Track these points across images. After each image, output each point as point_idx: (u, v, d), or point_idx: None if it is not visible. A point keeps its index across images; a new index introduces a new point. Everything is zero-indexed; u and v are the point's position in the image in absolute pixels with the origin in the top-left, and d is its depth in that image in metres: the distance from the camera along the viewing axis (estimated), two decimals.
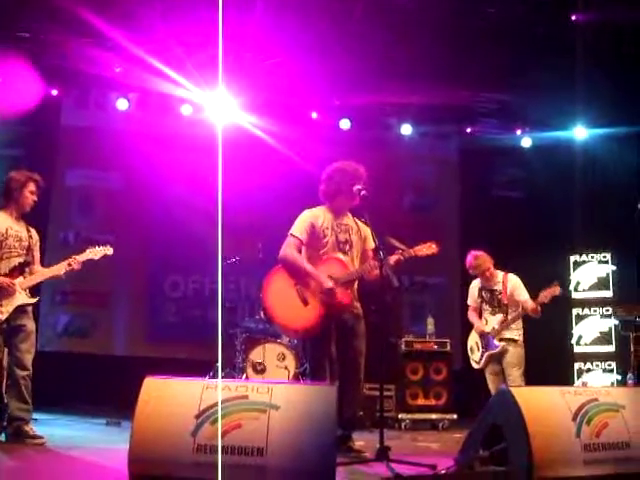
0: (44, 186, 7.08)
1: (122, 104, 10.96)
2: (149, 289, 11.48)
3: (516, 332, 7.96)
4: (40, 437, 6.53)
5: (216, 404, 4.39)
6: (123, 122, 11.24)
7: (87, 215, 11.38)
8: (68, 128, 11.31)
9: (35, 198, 6.95)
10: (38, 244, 7.07)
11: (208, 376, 8.77)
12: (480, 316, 8.31)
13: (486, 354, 8.03)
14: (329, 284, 6.17)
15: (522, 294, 7.97)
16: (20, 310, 6.70)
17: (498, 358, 7.98)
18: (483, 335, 8.09)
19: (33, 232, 7.01)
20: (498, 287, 8.13)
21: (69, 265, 6.88)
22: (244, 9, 8.75)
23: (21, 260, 6.80)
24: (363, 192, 6.16)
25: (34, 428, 6.63)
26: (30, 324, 6.79)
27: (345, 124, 11.43)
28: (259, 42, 9.39)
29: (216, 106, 10.48)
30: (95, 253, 7.07)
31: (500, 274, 8.18)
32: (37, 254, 7.03)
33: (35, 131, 10.74)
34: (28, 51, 9.66)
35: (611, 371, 10.12)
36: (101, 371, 10.24)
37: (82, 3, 8.63)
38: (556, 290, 7.76)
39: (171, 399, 4.54)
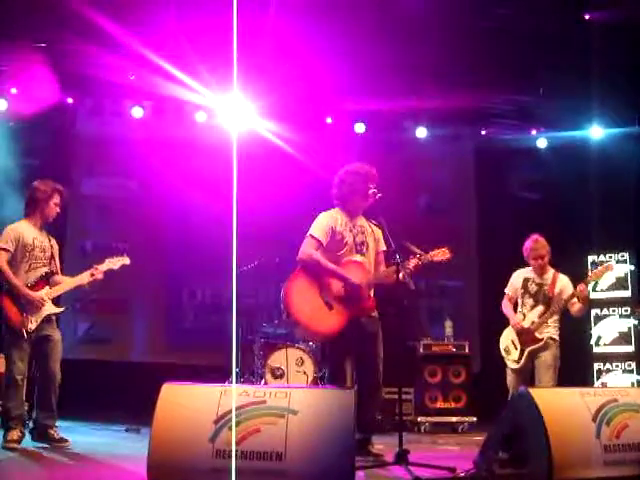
0: (67, 197, 7.23)
1: (137, 112, 10.98)
2: (167, 295, 11.53)
3: (554, 330, 7.58)
4: (65, 440, 6.76)
5: (235, 409, 4.40)
6: (138, 130, 11.25)
7: (104, 223, 11.43)
8: (83, 136, 11.37)
9: (59, 210, 7.10)
10: (58, 253, 7.18)
11: (227, 382, 8.77)
12: (515, 309, 7.87)
13: (527, 350, 7.53)
14: (356, 281, 6.18)
15: (570, 293, 7.59)
16: (46, 320, 6.85)
17: (532, 356, 7.55)
18: (522, 331, 7.59)
19: (54, 242, 7.14)
20: (547, 282, 7.69)
21: (92, 275, 7.03)
22: (258, 14, 8.77)
23: (47, 270, 6.95)
24: (378, 195, 6.17)
25: (59, 431, 6.83)
26: (56, 334, 6.97)
27: (360, 128, 11.42)
28: (273, 47, 9.39)
29: (230, 112, 10.50)
30: (114, 263, 7.22)
31: (551, 270, 7.77)
32: (58, 263, 7.15)
33: (51, 140, 10.80)
34: (44, 60, 9.71)
35: (631, 371, 10.05)
36: (120, 378, 10.29)
37: (96, 11, 8.66)
38: (610, 267, 7.61)
39: (189, 405, 4.56)
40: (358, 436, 5.97)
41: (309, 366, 9.16)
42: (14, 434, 6.56)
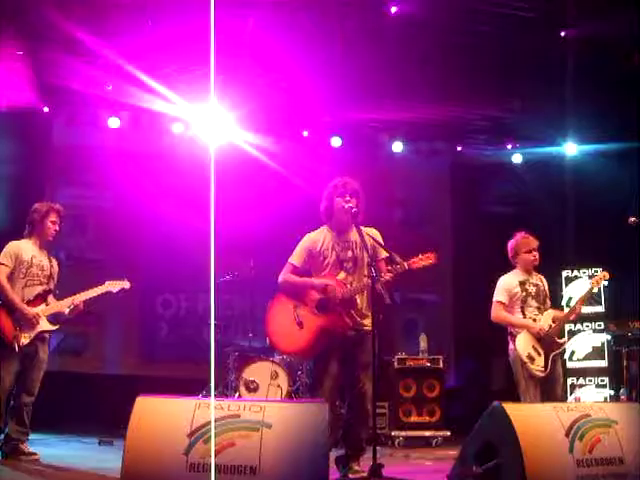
0: (65, 215, 7.37)
1: (113, 122, 10.94)
2: (141, 308, 11.45)
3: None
4: (34, 453, 6.78)
5: (209, 423, 4.39)
6: (114, 140, 11.21)
7: (79, 234, 11.35)
8: (59, 146, 11.29)
9: (57, 228, 7.25)
10: (57, 273, 7.30)
11: (201, 395, 8.74)
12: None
13: (551, 356, 7.10)
14: (323, 281, 6.16)
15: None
16: (39, 337, 6.92)
17: (555, 363, 7.15)
18: (544, 336, 7.10)
19: (54, 262, 7.30)
20: (540, 283, 7.39)
21: (72, 304, 7.09)
22: (236, 27, 8.78)
23: (44, 288, 7.05)
24: (354, 209, 6.15)
25: (28, 446, 6.85)
26: (44, 353, 7.04)
27: (336, 142, 11.45)
28: (250, 60, 9.42)
29: (208, 124, 10.50)
30: (113, 286, 7.38)
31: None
32: (55, 284, 7.25)
33: (26, 149, 10.73)
34: (20, 69, 9.67)
35: (604, 386, 10.12)
36: (94, 390, 10.21)
37: (73, 21, 8.66)
38: (606, 275, 7.44)
39: (163, 418, 4.54)
40: (342, 452, 6.00)
41: (283, 379, 9.12)
42: None
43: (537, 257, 7.38)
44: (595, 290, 7.45)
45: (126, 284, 7.43)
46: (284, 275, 6.36)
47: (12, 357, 6.73)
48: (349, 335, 6.19)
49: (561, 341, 7.20)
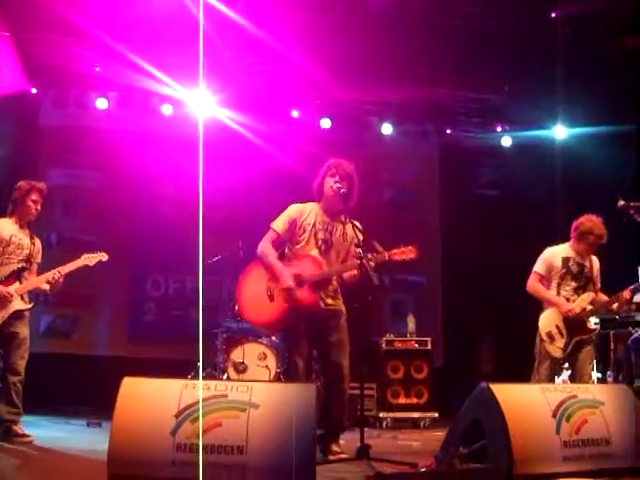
0: (48, 194, 7.25)
1: (102, 103, 10.89)
2: (131, 289, 11.44)
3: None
4: (28, 435, 6.75)
5: (196, 403, 4.39)
6: (103, 121, 11.15)
7: (69, 215, 11.31)
8: (48, 128, 11.23)
9: (38, 207, 7.13)
10: (40, 253, 7.20)
11: (190, 376, 8.75)
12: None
13: (575, 339, 6.96)
14: (287, 283, 6.12)
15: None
16: (15, 316, 6.84)
17: (579, 347, 7.00)
18: (573, 318, 6.96)
19: (37, 241, 7.18)
20: (587, 264, 7.16)
21: (52, 279, 6.96)
22: (225, 5, 8.74)
23: (19, 266, 6.94)
24: (342, 190, 6.15)
25: (23, 428, 6.82)
26: (24, 330, 6.95)
27: (326, 123, 11.42)
28: (240, 39, 9.37)
29: (197, 103, 10.46)
30: (90, 259, 7.19)
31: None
32: (36, 263, 7.15)
33: (15, 130, 10.69)
34: (7, 50, 9.61)
35: (591, 369, 10.14)
36: (83, 372, 10.20)
37: (62, 1, 8.60)
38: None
39: (150, 399, 4.54)
40: (320, 431, 5.98)
41: (272, 361, 9.13)
42: None
43: (598, 249, 7.19)
44: None
45: (104, 256, 7.22)
46: (264, 245, 6.35)
47: None
48: (317, 314, 6.20)
49: (592, 327, 7.02)
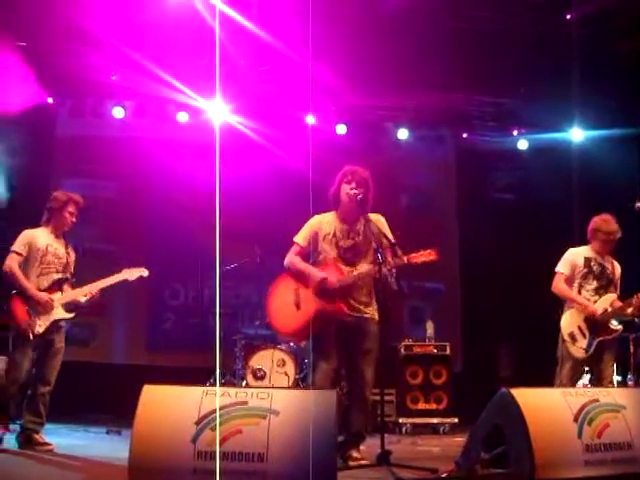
0: (84, 206, 7.29)
1: (118, 112, 10.92)
2: (148, 297, 11.46)
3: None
4: (49, 444, 6.75)
5: (216, 410, 4.38)
6: (119, 130, 11.20)
7: (86, 225, 11.31)
8: (64, 137, 11.27)
9: (74, 219, 7.18)
10: (73, 263, 7.25)
11: (208, 383, 8.75)
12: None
13: (597, 340, 6.91)
14: (321, 275, 6.14)
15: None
16: (55, 326, 6.90)
17: (602, 348, 6.95)
18: (596, 319, 6.92)
19: (71, 251, 7.24)
20: (608, 266, 7.16)
21: (89, 293, 7.07)
22: (240, 12, 8.75)
23: (59, 276, 7.01)
24: (359, 196, 6.15)
25: (44, 436, 6.84)
26: (61, 341, 7.03)
27: (341, 129, 11.41)
28: (255, 47, 9.39)
29: (213, 112, 10.47)
30: (131, 274, 7.33)
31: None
32: (70, 273, 7.18)
33: (31, 140, 10.72)
34: (24, 60, 9.66)
35: (613, 372, 10.10)
36: (101, 380, 10.23)
37: (78, 11, 8.63)
38: None
39: (170, 406, 4.54)
40: (341, 438, 5.97)
41: (290, 367, 9.14)
42: None
43: (613, 245, 7.19)
44: None
45: (144, 272, 7.38)
46: (290, 257, 6.41)
47: (26, 345, 6.72)
48: (347, 321, 6.19)
49: (615, 327, 6.97)
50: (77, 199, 7.18)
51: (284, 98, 10.79)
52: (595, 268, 7.13)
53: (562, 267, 7.23)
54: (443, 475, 5.14)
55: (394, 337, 9.80)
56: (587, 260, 7.16)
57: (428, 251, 6.10)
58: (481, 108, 11.49)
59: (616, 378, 9.85)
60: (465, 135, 11.96)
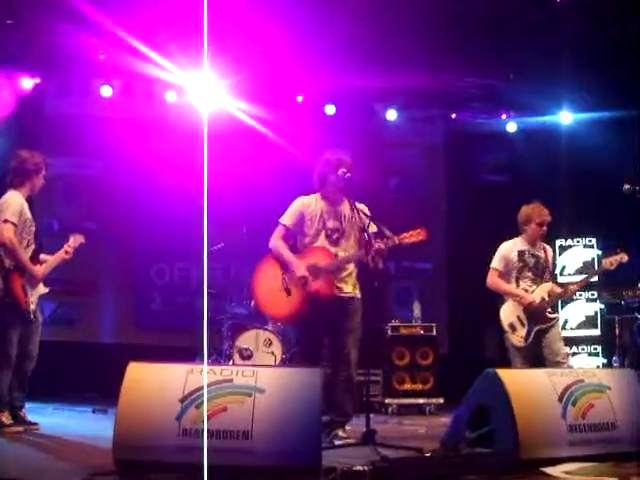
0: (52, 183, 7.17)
1: (106, 91, 10.84)
2: (135, 277, 11.46)
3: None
4: (35, 424, 6.61)
5: (201, 388, 4.39)
6: (107, 109, 11.11)
7: (72, 203, 11.32)
8: (51, 116, 11.18)
9: (43, 181, 6.81)
10: None
11: (195, 362, 8.75)
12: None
13: (536, 329, 7.06)
14: (301, 272, 6.16)
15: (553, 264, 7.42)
16: (36, 301, 6.67)
17: (540, 335, 7.08)
18: (533, 309, 7.08)
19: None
20: (541, 254, 7.32)
21: (66, 252, 6.78)
22: None
23: (35, 247, 6.66)
24: (347, 175, 6.14)
25: (27, 414, 6.68)
26: (40, 317, 6.79)
27: (330, 109, 11.37)
28: (244, 25, 9.33)
29: (201, 91, 10.41)
30: (74, 242, 6.90)
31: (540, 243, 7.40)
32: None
33: (18, 119, 10.64)
34: (11, 38, 9.60)
35: (597, 355, 10.16)
36: (88, 359, 10.23)
37: None
38: (624, 257, 7.10)
39: (155, 384, 4.54)
40: (326, 417, 5.99)
41: (277, 347, 9.16)
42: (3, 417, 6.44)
43: (545, 231, 7.33)
44: (610, 268, 7.21)
45: (81, 238, 6.89)
46: (275, 240, 6.40)
47: (22, 323, 6.46)
48: (333, 302, 6.21)
49: (552, 316, 7.17)
50: (47, 162, 6.79)
51: (274, 78, 10.72)
52: (529, 260, 7.29)
53: (496, 263, 7.39)
54: (427, 454, 5.16)
55: (381, 318, 9.80)
56: (520, 253, 7.31)
57: (417, 230, 6.15)
58: (470, 90, 11.45)
59: (601, 360, 9.95)
60: (454, 116, 11.92)
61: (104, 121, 11.04)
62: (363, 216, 6.21)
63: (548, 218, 7.34)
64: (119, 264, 11.23)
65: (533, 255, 7.31)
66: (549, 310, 7.17)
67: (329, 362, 6.43)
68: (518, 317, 7.21)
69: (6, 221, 6.33)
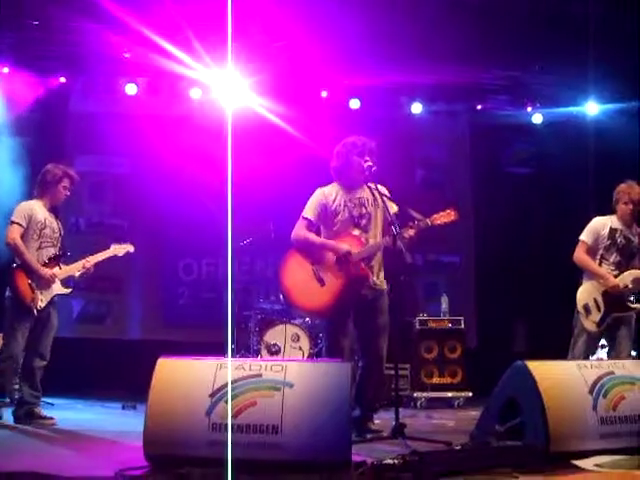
0: (78, 182, 7.37)
1: (131, 89, 10.88)
2: (163, 273, 11.49)
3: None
4: (50, 418, 6.81)
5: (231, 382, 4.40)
6: (132, 107, 11.16)
7: (98, 200, 11.37)
8: (77, 114, 11.23)
9: (68, 193, 7.21)
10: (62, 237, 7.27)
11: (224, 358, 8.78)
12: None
13: (612, 316, 6.73)
14: (345, 247, 6.12)
15: None
16: (52, 301, 6.94)
17: (616, 324, 6.76)
18: (615, 294, 6.72)
19: (60, 225, 7.24)
20: (635, 239, 6.90)
21: (83, 267, 7.09)
22: None
23: (56, 251, 7.03)
24: (373, 168, 6.12)
25: (43, 410, 6.89)
26: (55, 317, 7.04)
27: (355, 104, 11.34)
28: (268, 22, 9.32)
29: (225, 88, 10.42)
30: (118, 250, 7.32)
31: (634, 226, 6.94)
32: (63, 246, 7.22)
33: (44, 118, 10.72)
34: (36, 38, 9.66)
35: (630, 348, 10.06)
36: (116, 356, 10.29)
37: None
38: None
39: (185, 379, 4.57)
40: (357, 412, 6.00)
41: (305, 342, 9.17)
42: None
43: (635, 211, 6.91)
44: None
45: (130, 248, 7.40)
46: (300, 231, 6.36)
47: (28, 320, 6.75)
48: (364, 295, 6.18)
49: (633, 305, 6.77)
50: (72, 175, 7.21)
51: (298, 73, 10.72)
52: (619, 240, 6.88)
53: (585, 236, 6.99)
54: (457, 447, 5.15)
55: (409, 312, 9.78)
56: (613, 231, 6.92)
57: (448, 211, 6.13)
58: (496, 82, 11.39)
59: (633, 354, 9.83)
60: (479, 108, 11.86)
61: (129, 119, 11.07)
62: (385, 199, 6.17)
63: (637, 197, 6.89)
64: (146, 260, 11.26)
65: (625, 237, 6.91)
66: (630, 299, 6.76)
67: (359, 356, 6.41)
68: (595, 300, 6.85)
69: (12, 222, 6.84)
